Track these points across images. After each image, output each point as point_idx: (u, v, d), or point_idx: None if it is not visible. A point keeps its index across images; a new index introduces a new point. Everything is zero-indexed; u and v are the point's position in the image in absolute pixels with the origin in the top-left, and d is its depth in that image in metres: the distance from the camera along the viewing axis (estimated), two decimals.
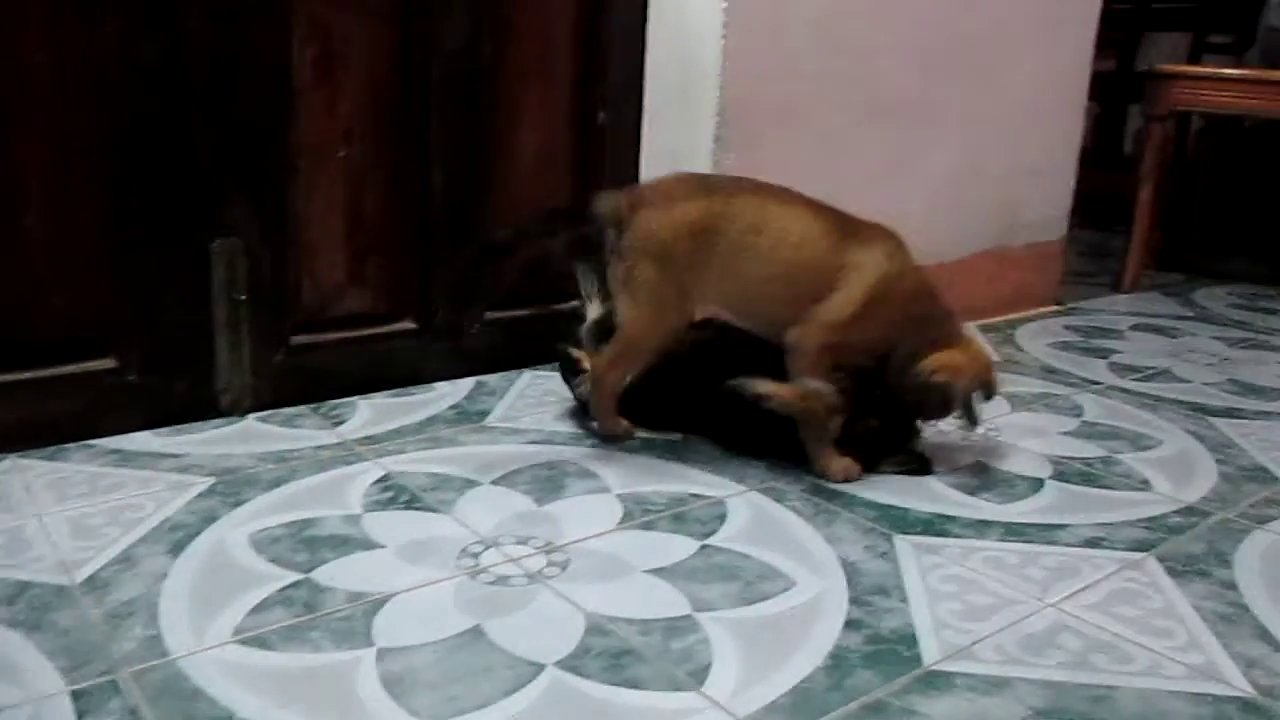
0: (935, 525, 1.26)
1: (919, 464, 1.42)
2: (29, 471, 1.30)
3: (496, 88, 1.64)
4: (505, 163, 1.68)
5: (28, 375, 1.35)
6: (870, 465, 1.40)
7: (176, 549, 1.12)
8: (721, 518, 1.26)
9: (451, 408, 1.59)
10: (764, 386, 1.35)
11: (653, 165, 1.81)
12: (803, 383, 1.34)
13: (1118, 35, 3.32)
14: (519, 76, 1.66)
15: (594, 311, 1.51)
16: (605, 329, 1.46)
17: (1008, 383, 1.80)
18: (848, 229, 1.37)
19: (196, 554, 1.12)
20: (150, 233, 1.39)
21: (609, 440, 1.48)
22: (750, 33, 1.70)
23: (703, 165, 1.73)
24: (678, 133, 1.77)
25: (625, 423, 1.50)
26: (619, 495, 1.31)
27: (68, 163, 1.32)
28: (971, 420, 1.39)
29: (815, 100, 1.82)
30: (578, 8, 1.70)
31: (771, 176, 1.77)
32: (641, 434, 1.51)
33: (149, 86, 1.35)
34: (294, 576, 1.08)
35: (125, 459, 1.35)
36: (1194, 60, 3.46)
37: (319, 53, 1.47)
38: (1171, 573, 1.15)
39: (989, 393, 1.41)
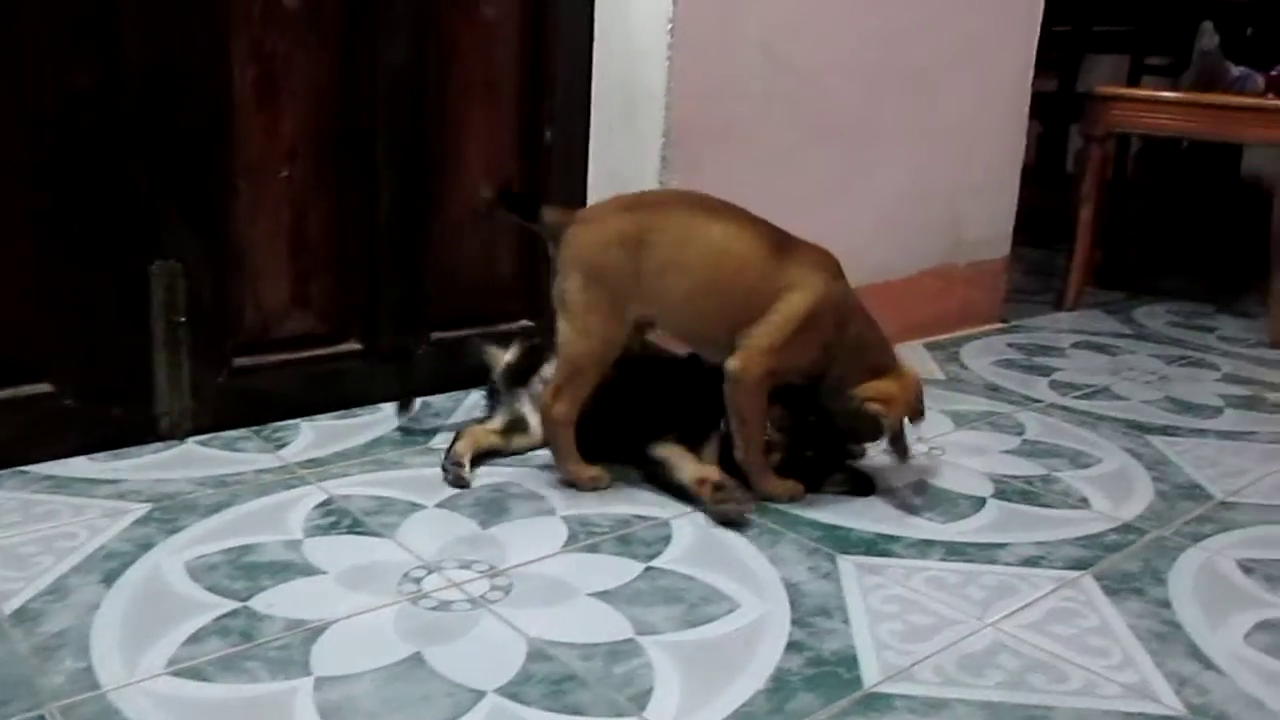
0: (878, 545, 1.27)
1: (861, 484, 1.43)
2: None
3: (441, 107, 1.63)
4: (451, 181, 1.67)
5: None
6: (813, 487, 1.40)
7: (110, 578, 1.10)
8: (666, 539, 1.26)
9: (397, 429, 1.57)
10: (686, 473, 1.36)
11: (600, 184, 1.81)
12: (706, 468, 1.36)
13: (1058, 56, 3.39)
14: (464, 95, 1.66)
15: (510, 355, 1.54)
16: (521, 370, 1.50)
17: (953, 401, 1.83)
18: (785, 248, 1.35)
19: (131, 583, 1.10)
20: (87, 257, 1.36)
21: (578, 488, 1.38)
22: (696, 53, 1.71)
23: (649, 185, 1.74)
24: (624, 152, 1.77)
25: (593, 469, 1.39)
26: (564, 517, 1.31)
27: (0, 188, 1.29)
28: (901, 453, 1.39)
29: (761, 120, 1.83)
30: (523, 27, 1.70)
31: (719, 196, 1.79)
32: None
33: (84, 111, 1.33)
34: (231, 605, 1.07)
35: (60, 485, 1.32)
36: (1133, 81, 3.55)
37: (259, 74, 1.46)
38: (1108, 591, 1.17)
39: (914, 419, 1.41)
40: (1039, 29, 2.27)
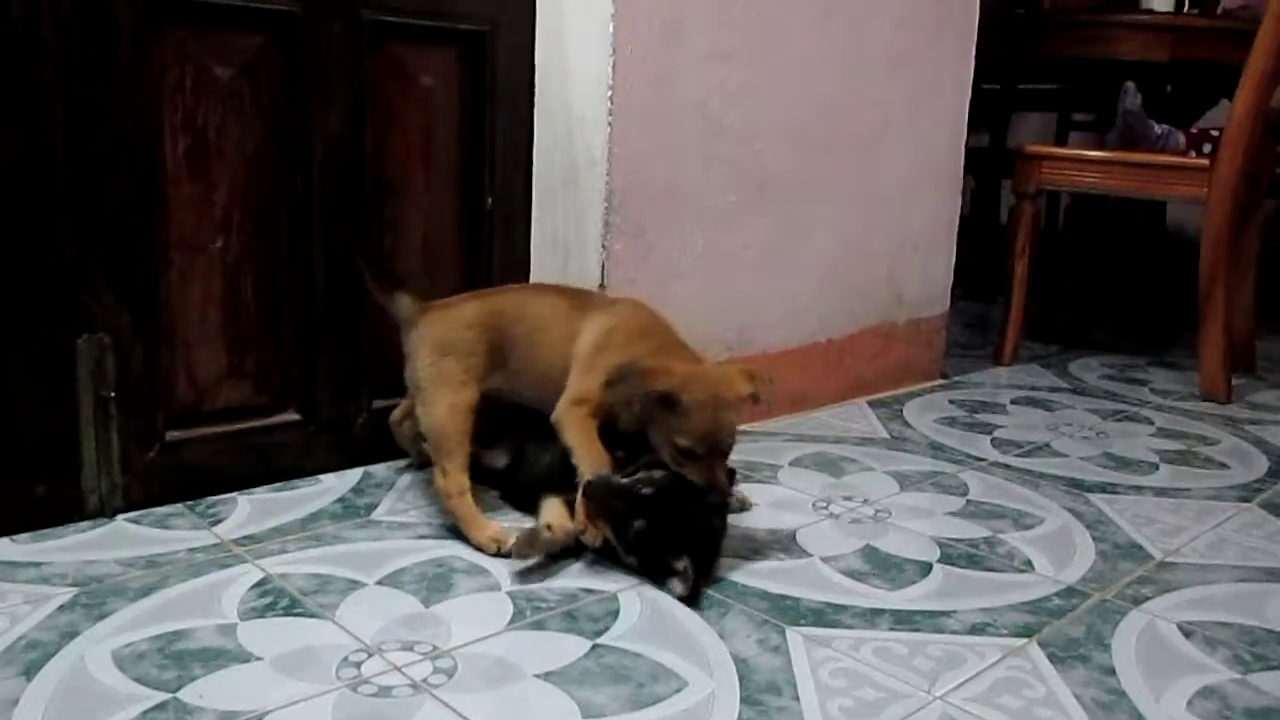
0: (826, 615, 1.26)
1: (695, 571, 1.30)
2: None
3: (379, 175, 1.62)
4: (391, 249, 1.66)
5: None
6: (649, 571, 1.33)
7: (31, 670, 1.05)
8: (614, 614, 1.24)
9: (337, 501, 1.54)
10: (546, 516, 1.37)
11: (542, 250, 1.81)
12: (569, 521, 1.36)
13: (988, 114, 3.47)
14: (403, 164, 1.65)
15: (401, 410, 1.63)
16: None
17: (898, 461, 1.84)
18: (586, 304, 1.52)
19: (53, 675, 1.05)
20: (8, 331, 1.32)
21: (486, 552, 1.38)
22: (635, 120, 1.73)
23: (592, 252, 1.74)
24: (566, 218, 1.77)
25: (492, 528, 1.40)
26: (509, 592, 1.28)
27: None
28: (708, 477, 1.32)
29: (701, 184, 1.85)
30: (462, 95, 1.70)
31: (659, 261, 1.81)
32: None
33: (6, 182, 1.29)
34: (160, 697, 1.02)
35: None
36: (1061, 137, 3.64)
37: (191, 144, 1.44)
38: (1053, 659, 1.17)
39: (754, 398, 1.36)
40: (970, 93, 2.32)
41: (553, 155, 1.77)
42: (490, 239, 1.76)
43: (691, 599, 1.27)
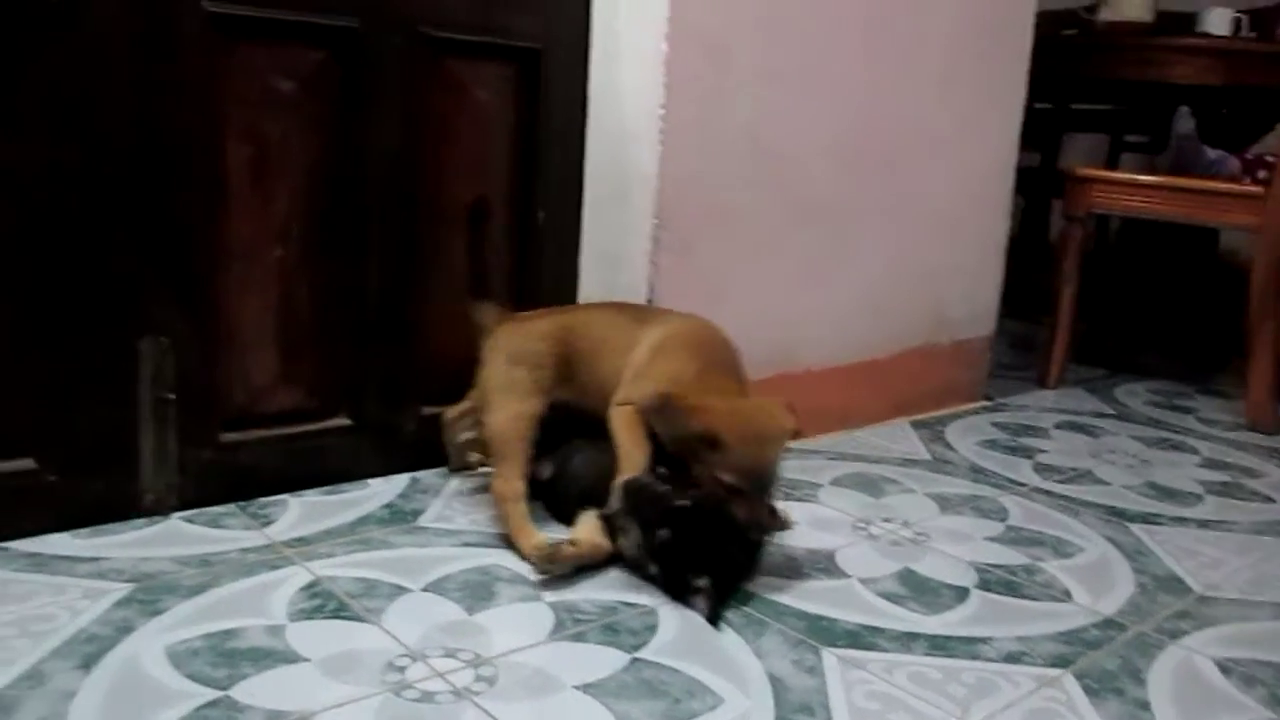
0: (862, 637, 1.27)
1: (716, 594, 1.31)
2: None
3: (432, 187, 1.65)
4: (442, 260, 1.69)
5: None
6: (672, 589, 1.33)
7: (88, 664, 1.09)
8: (652, 628, 1.26)
9: (385, 506, 1.57)
10: (577, 531, 1.40)
11: (591, 265, 1.84)
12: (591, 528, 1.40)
13: (1039, 133, 3.46)
14: (455, 176, 1.68)
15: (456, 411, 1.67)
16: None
17: (939, 483, 1.84)
18: (646, 317, 1.57)
19: (109, 669, 1.09)
20: (73, 333, 1.37)
21: (532, 562, 1.38)
22: (686, 139, 1.75)
23: (640, 266, 1.76)
24: (616, 234, 1.80)
25: (537, 538, 1.40)
26: (550, 603, 1.31)
27: None
28: (761, 493, 1.33)
29: (748, 203, 1.87)
30: (516, 110, 1.73)
31: (705, 277, 1.82)
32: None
33: (73, 188, 1.34)
34: (211, 694, 1.06)
35: (40, 564, 1.31)
36: (1113, 158, 3.61)
37: (253, 155, 1.48)
38: (1088, 691, 1.18)
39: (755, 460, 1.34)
40: (1021, 116, 2.32)
41: (603, 171, 1.80)
42: (541, 251, 1.79)
43: (712, 618, 1.28)
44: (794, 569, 1.45)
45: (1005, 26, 2.25)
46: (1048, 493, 1.84)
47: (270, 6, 1.46)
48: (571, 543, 1.36)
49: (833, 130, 1.97)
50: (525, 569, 1.39)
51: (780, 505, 1.39)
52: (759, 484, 1.34)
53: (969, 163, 2.25)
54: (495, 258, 1.72)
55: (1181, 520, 1.74)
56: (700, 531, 1.32)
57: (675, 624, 1.27)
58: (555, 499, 1.56)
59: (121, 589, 1.26)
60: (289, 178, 1.53)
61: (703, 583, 1.29)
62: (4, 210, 1.30)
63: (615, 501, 1.37)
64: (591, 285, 1.83)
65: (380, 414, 1.67)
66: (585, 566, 1.38)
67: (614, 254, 1.79)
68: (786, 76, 1.86)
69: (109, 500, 1.44)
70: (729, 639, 1.24)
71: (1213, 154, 2.69)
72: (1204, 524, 1.73)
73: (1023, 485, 1.88)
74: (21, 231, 1.32)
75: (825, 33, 1.91)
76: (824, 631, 1.28)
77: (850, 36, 1.95)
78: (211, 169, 1.45)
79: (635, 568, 1.38)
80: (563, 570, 1.36)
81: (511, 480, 1.46)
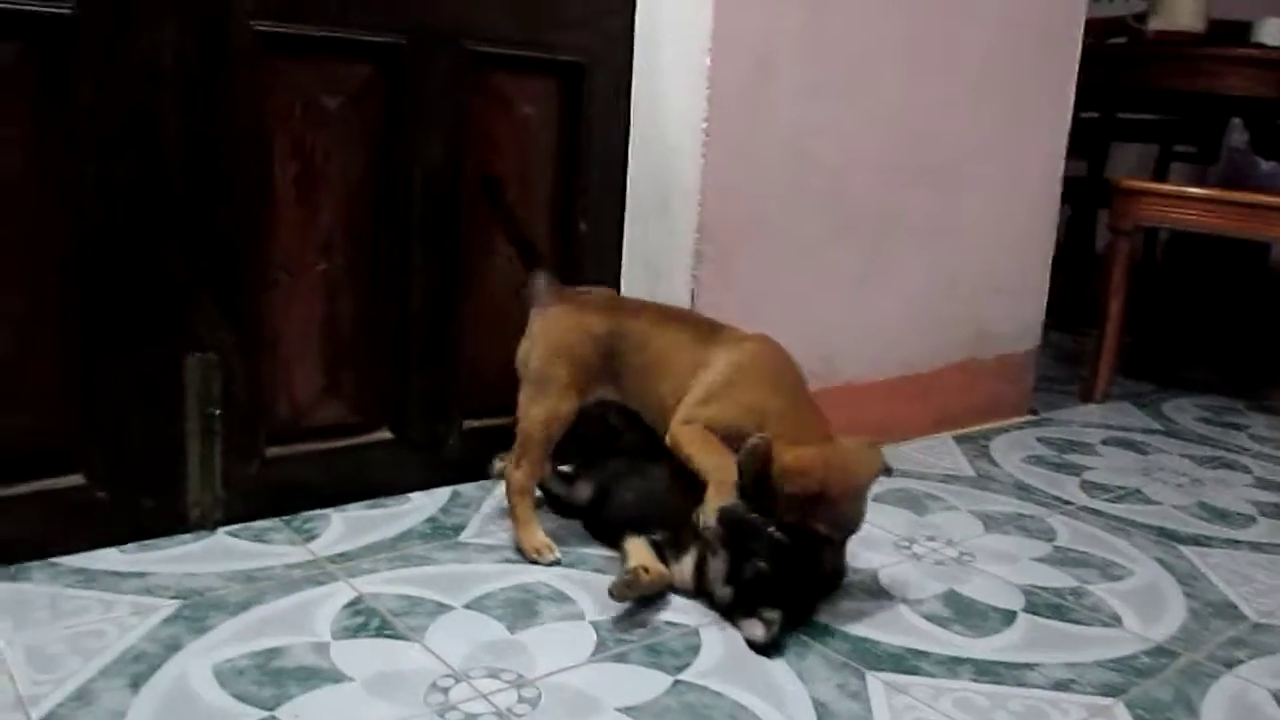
0: (907, 662, 1.25)
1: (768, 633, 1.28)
2: None
3: (476, 201, 1.66)
4: (485, 274, 1.69)
5: None
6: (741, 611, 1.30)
7: (137, 682, 1.10)
8: (695, 649, 1.25)
9: (427, 520, 1.57)
10: (636, 558, 1.37)
11: (634, 275, 1.83)
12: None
13: (1086, 143, 3.41)
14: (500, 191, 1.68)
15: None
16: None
17: (983, 501, 1.81)
18: (713, 337, 1.49)
19: (157, 688, 1.10)
20: (121, 348, 1.38)
21: (528, 558, 1.45)
22: (728, 151, 1.74)
23: (681, 278, 1.76)
24: (658, 245, 1.79)
25: (540, 539, 1.47)
26: (593, 622, 1.30)
27: (35, 278, 1.32)
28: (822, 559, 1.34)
29: (789, 216, 1.85)
30: (559, 123, 1.73)
31: (747, 289, 1.82)
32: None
33: (123, 204, 1.35)
34: (258, 715, 1.06)
35: (89, 579, 1.32)
36: (1161, 168, 3.56)
37: (299, 171, 1.49)
38: None
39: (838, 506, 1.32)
40: (1068, 127, 2.29)
41: (646, 184, 1.80)
42: (583, 263, 1.79)
43: (767, 648, 1.26)
44: (838, 589, 1.44)
45: (1053, 37, 2.22)
46: (1096, 512, 1.81)
47: (317, 24, 1.47)
48: (645, 569, 1.34)
49: (875, 142, 1.95)
50: (567, 588, 1.39)
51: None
52: (849, 532, 1.36)
53: (1014, 175, 2.22)
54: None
55: (1234, 543, 1.71)
56: (789, 569, 1.30)
57: (719, 646, 1.26)
58: (599, 522, 1.55)
59: (169, 606, 1.27)
60: (334, 193, 1.54)
61: (773, 615, 1.26)
62: (57, 227, 1.32)
63: (711, 525, 1.31)
64: (633, 296, 1.82)
65: (422, 428, 1.67)
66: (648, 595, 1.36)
67: (655, 265, 1.79)
68: (829, 89, 1.85)
69: (156, 515, 1.45)
70: (772, 662, 1.23)
71: (1266, 166, 2.64)
72: (1257, 547, 1.70)
73: (1070, 504, 1.85)
74: (73, 248, 1.34)
75: (868, 45, 1.89)
76: (868, 654, 1.26)
77: (893, 48, 1.93)
78: (257, 184, 1.46)
79: (699, 594, 1.37)
80: (638, 595, 1.33)
81: (526, 471, 1.48)
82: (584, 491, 1.57)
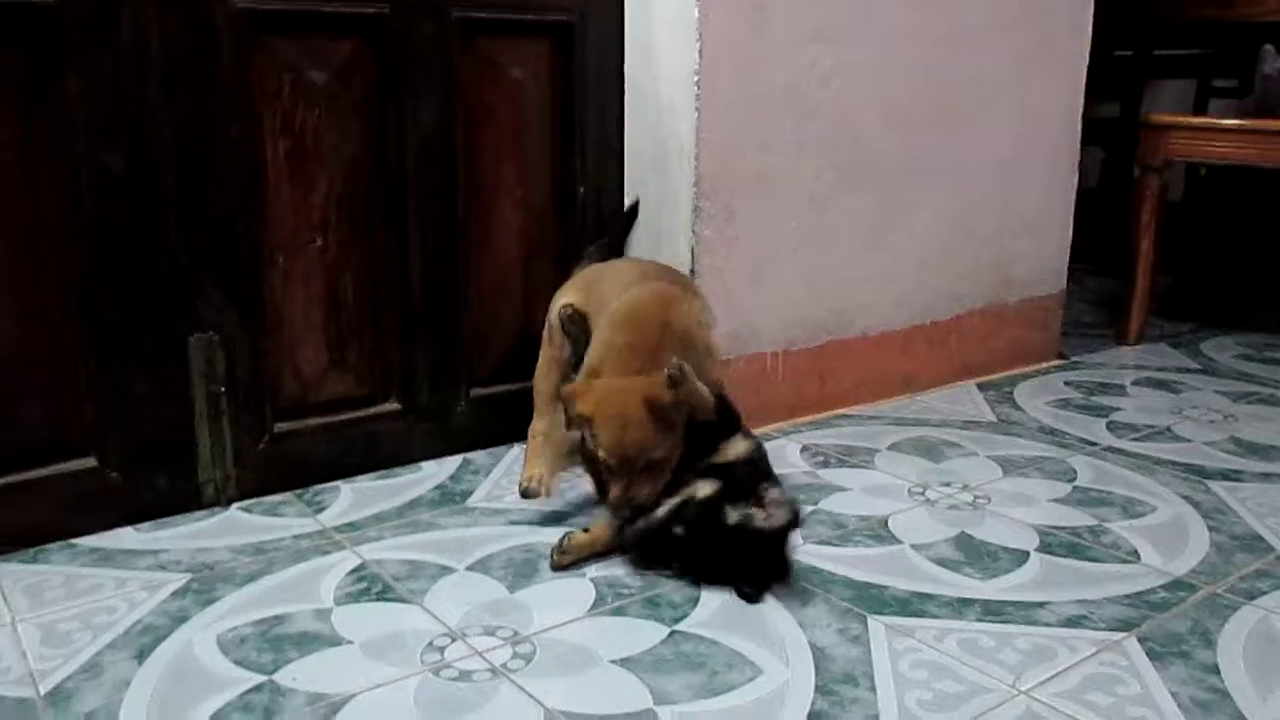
0: (912, 605, 1.23)
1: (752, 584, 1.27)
2: (8, 576, 1.30)
3: (472, 168, 1.65)
4: (484, 240, 1.69)
5: (6, 480, 1.36)
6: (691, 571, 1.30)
7: (143, 654, 1.12)
8: (694, 600, 1.24)
9: (435, 488, 1.58)
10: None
11: (635, 239, 1.82)
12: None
13: (1120, 82, 3.31)
14: (495, 156, 1.68)
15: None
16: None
17: (1003, 445, 1.78)
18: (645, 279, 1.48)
19: (162, 659, 1.11)
20: (126, 332, 1.41)
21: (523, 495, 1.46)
22: (723, 105, 1.71)
23: (683, 237, 1.74)
24: (656, 205, 1.78)
25: (534, 470, 1.47)
26: (592, 579, 1.30)
27: (39, 269, 1.34)
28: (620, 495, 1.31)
29: (794, 167, 1.82)
30: (553, 86, 1.72)
31: (752, 245, 1.79)
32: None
33: (119, 192, 1.37)
34: (257, 679, 1.08)
35: (104, 558, 1.35)
36: (1200, 104, 3.44)
37: (291, 147, 1.50)
38: (1152, 655, 1.12)
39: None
40: (1086, 60, 2.22)
41: (642, 142, 1.78)
42: (583, 229, 1.78)
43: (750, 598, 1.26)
44: (843, 537, 1.42)
45: None
46: (1121, 451, 1.76)
47: None
48: (584, 530, 1.37)
49: (880, 86, 1.91)
50: None
51: (776, 496, 1.30)
52: (627, 466, 1.30)
53: (1031, 112, 2.16)
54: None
55: (1267, 476, 1.65)
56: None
57: (719, 596, 1.25)
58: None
59: (179, 579, 1.29)
60: (327, 168, 1.54)
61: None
62: (57, 215, 1.34)
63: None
64: (638, 259, 1.81)
65: (430, 397, 1.68)
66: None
67: (655, 226, 1.77)
68: (828, 34, 1.81)
69: (170, 494, 1.48)
70: (773, 610, 1.22)
71: None
72: None
73: (1094, 445, 1.80)
74: (73, 236, 1.36)
75: None
76: (872, 600, 1.24)
77: None
78: (250, 164, 1.47)
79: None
80: (575, 559, 1.35)
81: (541, 418, 1.53)
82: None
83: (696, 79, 1.68)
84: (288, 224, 1.52)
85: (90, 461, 1.42)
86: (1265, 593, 1.26)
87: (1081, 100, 2.25)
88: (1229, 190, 3.02)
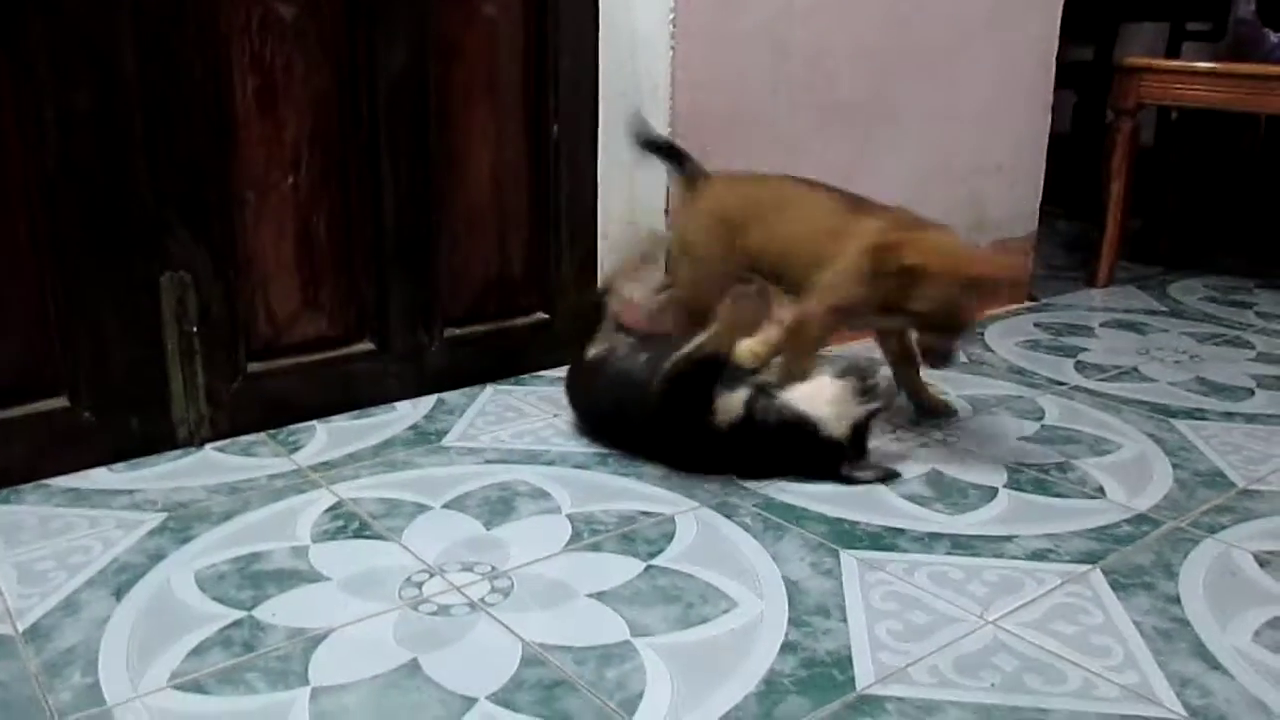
0: (883, 540, 1.25)
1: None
2: None
3: (444, 107, 1.64)
4: (457, 181, 1.68)
5: None
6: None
7: (121, 591, 1.12)
8: (670, 536, 1.26)
9: (410, 428, 1.59)
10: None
11: (609, 178, 1.81)
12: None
13: (1092, 25, 3.30)
14: (467, 95, 1.66)
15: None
16: None
17: (973, 385, 1.80)
18: (857, 208, 1.54)
19: (140, 596, 1.12)
20: (96, 273, 1.39)
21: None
22: (698, 43, 1.70)
23: (658, 177, 1.73)
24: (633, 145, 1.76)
25: (750, 343, 1.57)
26: (569, 515, 1.31)
27: (6, 209, 1.32)
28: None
29: (768, 108, 1.81)
30: (525, 24, 1.70)
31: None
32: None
33: (85, 131, 1.34)
34: (236, 615, 1.08)
35: (79, 498, 1.35)
36: (1173, 48, 3.44)
37: (260, 85, 1.47)
38: (1115, 586, 1.15)
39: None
40: (1061, 2, 2.21)
41: (617, 81, 1.76)
42: (557, 167, 1.77)
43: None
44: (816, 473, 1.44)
45: None
46: (1088, 391, 1.79)
47: None
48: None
49: (858, 27, 1.89)
50: (544, 484, 1.40)
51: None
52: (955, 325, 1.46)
53: (1005, 54, 2.15)
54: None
55: (1229, 415, 1.68)
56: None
57: (693, 531, 1.27)
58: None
59: (155, 518, 1.29)
60: (297, 106, 1.52)
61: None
62: (25, 157, 1.32)
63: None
64: (609, 199, 1.81)
65: (404, 337, 1.68)
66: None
67: (630, 164, 1.76)
68: None
69: (144, 434, 1.47)
70: (746, 544, 1.24)
71: (1275, 38, 2.54)
72: (1253, 418, 1.67)
73: (1062, 384, 1.83)
74: (41, 178, 1.33)
75: None
76: (844, 535, 1.27)
77: None
78: (219, 100, 1.45)
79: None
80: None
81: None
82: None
83: (673, 16, 1.66)
84: (258, 162, 1.50)
85: (63, 401, 1.41)
86: (1226, 527, 1.29)
87: (1055, 42, 2.24)
88: (1199, 134, 3.04)
